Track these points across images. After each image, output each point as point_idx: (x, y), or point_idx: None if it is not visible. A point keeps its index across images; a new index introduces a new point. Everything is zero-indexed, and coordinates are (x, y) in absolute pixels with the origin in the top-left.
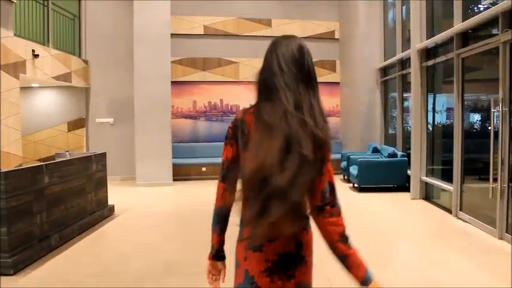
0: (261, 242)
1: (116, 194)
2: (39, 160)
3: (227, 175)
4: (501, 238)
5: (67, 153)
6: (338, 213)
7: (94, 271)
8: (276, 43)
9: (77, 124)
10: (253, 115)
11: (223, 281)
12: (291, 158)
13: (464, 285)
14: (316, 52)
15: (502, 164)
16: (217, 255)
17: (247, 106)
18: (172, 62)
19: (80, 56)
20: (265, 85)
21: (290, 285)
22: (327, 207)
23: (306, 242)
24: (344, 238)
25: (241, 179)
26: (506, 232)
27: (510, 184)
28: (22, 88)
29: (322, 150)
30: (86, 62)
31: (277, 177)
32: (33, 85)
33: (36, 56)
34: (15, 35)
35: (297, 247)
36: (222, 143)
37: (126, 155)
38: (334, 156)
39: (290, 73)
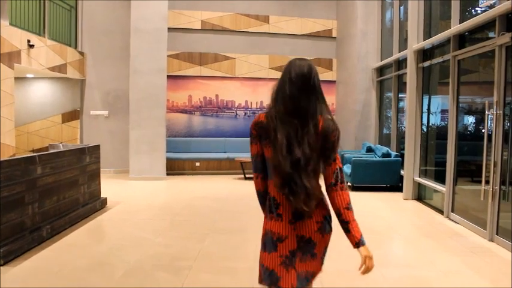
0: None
1: (108, 187)
2: (33, 151)
3: (257, 166)
4: (491, 240)
5: (60, 144)
6: (346, 189)
7: (85, 263)
8: (292, 62)
9: (71, 116)
10: (269, 117)
11: None
12: (303, 150)
13: (453, 286)
14: (313, 50)
15: (495, 166)
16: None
17: (245, 103)
18: (168, 56)
19: (75, 47)
20: (280, 93)
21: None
22: (338, 184)
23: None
24: (350, 207)
25: (271, 169)
26: (497, 234)
27: (502, 187)
28: (16, 78)
29: (330, 136)
30: (81, 53)
31: (293, 167)
32: (28, 75)
33: (31, 46)
34: (10, 24)
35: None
36: (217, 139)
37: (120, 148)
38: None
39: (299, 84)
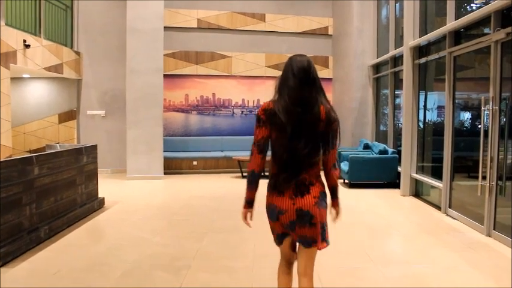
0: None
1: (106, 187)
2: (29, 152)
3: (263, 149)
4: (488, 235)
5: (57, 145)
6: (338, 168)
7: (83, 263)
8: (293, 58)
9: (68, 116)
10: (274, 107)
11: (252, 220)
12: (308, 142)
13: (451, 281)
14: (309, 48)
15: (491, 162)
16: (250, 204)
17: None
18: (165, 55)
19: (72, 47)
20: (283, 84)
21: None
22: (335, 166)
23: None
24: (337, 182)
25: (275, 151)
26: (494, 229)
27: (498, 182)
28: (12, 78)
29: (333, 125)
30: (78, 53)
31: (303, 152)
32: (24, 76)
33: (27, 46)
34: (6, 24)
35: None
36: (214, 137)
37: (117, 148)
38: None
39: (300, 77)
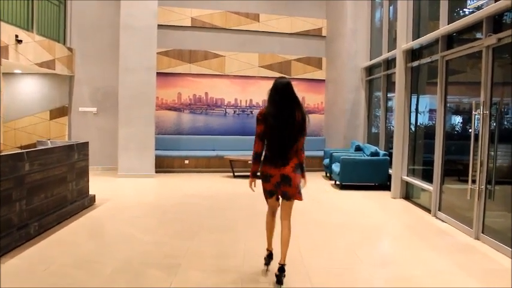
0: (278, 159)
1: (97, 184)
2: (20, 148)
3: (262, 137)
4: (477, 238)
5: (49, 141)
6: (304, 153)
7: (73, 261)
8: (277, 79)
9: (60, 112)
10: (267, 113)
11: (255, 186)
12: (288, 133)
13: (439, 283)
14: (303, 49)
15: (481, 166)
16: (255, 174)
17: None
18: (158, 53)
19: (64, 43)
20: (271, 98)
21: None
22: (303, 150)
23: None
24: (303, 161)
25: (268, 140)
26: (483, 233)
27: (488, 186)
28: (4, 74)
29: (303, 123)
30: (70, 49)
31: (283, 142)
32: (16, 71)
33: (19, 41)
34: None
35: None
36: (206, 137)
37: (109, 145)
38: (316, 153)
39: (282, 93)
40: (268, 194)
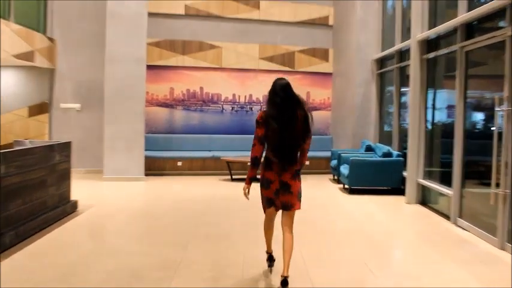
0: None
1: (80, 189)
2: None
3: (262, 141)
4: (502, 248)
5: (27, 141)
6: (307, 155)
7: (52, 274)
8: (276, 81)
9: (39, 109)
10: (267, 116)
11: (249, 194)
12: (291, 135)
13: None
14: (308, 39)
15: (506, 167)
16: (251, 181)
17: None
18: (148, 43)
19: (44, 33)
20: (270, 99)
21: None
22: (307, 152)
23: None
24: (303, 164)
25: (269, 144)
26: (508, 242)
27: None
28: None
29: (306, 123)
30: (51, 40)
31: (287, 144)
32: None
33: None
34: None
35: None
36: (201, 136)
37: (93, 145)
38: (323, 153)
39: (282, 95)
40: (267, 202)
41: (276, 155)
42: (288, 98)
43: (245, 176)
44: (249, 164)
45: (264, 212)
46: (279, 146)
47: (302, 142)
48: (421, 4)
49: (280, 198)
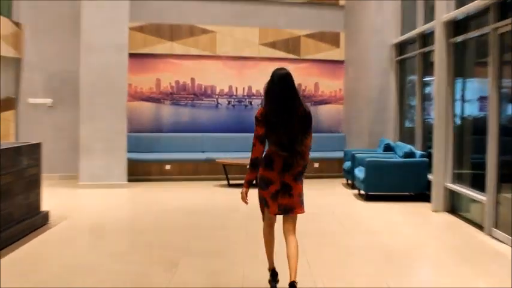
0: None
1: (52, 198)
2: None
3: (263, 140)
4: None
5: None
6: (309, 153)
7: None
8: (275, 71)
9: (4, 105)
10: (267, 111)
11: (247, 198)
12: (292, 129)
13: None
14: (315, 21)
15: None
16: (250, 184)
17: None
18: (130, 28)
19: (10, 16)
20: (268, 92)
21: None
22: (309, 149)
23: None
24: (307, 163)
25: (271, 141)
26: None
27: None
28: None
29: (307, 118)
30: (18, 25)
31: (291, 138)
32: None
33: None
34: None
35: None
36: (193, 135)
37: (68, 147)
38: (334, 154)
39: (281, 85)
40: (265, 203)
41: (275, 152)
42: (287, 89)
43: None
44: (248, 167)
45: (262, 213)
46: (279, 141)
47: (303, 138)
48: None
49: (279, 201)
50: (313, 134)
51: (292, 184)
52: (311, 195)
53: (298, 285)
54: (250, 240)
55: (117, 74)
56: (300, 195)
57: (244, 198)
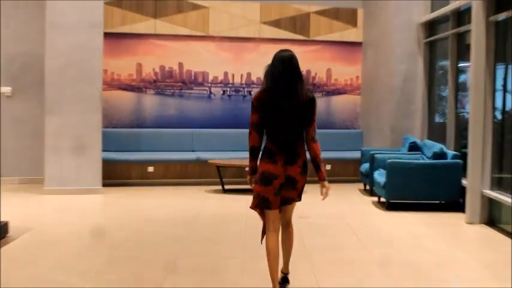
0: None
1: (12, 206)
2: None
3: (260, 129)
4: None
5: None
6: (318, 142)
7: None
8: (278, 52)
9: None
10: (265, 95)
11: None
12: (293, 116)
13: None
14: None
15: None
16: (254, 171)
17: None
18: (106, 3)
19: None
20: (269, 74)
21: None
22: (315, 139)
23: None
24: (320, 154)
25: (270, 130)
26: None
27: None
28: None
29: (311, 104)
30: None
31: (286, 129)
32: None
33: None
34: None
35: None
36: (181, 130)
37: (30, 145)
38: (350, 154)
39: (283, 67)
40: (266, 204)
41: (275, 143)
42: (290, 72)
43: (242, 186)
44: (247, 167)
45: (262, 218)
46: (280, 130)
47: (305, 127)
48: None
49: (282, 193)
50: (324, 131)
51: (298, 178)
52: (322, 203)
53: None
54: (248, 256)
55: (90, 58)
56: (303, 187)
57: (251, 184)
